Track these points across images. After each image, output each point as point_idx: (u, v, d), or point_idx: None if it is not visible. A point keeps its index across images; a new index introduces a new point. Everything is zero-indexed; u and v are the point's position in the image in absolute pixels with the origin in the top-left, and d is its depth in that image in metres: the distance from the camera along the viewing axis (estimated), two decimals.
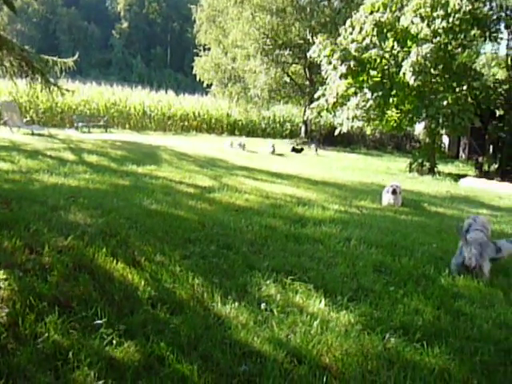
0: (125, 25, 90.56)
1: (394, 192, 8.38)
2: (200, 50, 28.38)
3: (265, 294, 3.69)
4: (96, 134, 20.38)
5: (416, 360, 2.93)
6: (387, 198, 8.49)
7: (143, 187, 7.83)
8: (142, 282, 3.63)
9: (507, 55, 17.60)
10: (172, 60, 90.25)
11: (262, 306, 3.44)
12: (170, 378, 2.49)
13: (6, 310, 3.00)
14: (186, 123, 28.79)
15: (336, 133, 16.94)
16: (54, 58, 15.04)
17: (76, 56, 15.65)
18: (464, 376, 2.80)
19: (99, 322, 2.96)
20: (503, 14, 15.98)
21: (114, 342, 2.77)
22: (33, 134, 16.69)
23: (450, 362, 2.93)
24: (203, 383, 2.49)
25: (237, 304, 3.41)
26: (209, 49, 27.80)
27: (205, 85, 28.28)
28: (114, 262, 3.94)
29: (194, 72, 28.34)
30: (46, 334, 2.77)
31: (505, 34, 16.84)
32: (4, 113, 17.78)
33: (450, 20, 13.63)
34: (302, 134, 27.81)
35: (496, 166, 17.49)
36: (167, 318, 3.16)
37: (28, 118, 22.02)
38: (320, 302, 3.61)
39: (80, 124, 21.65)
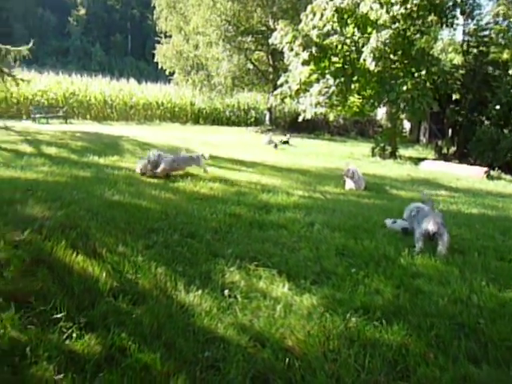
0: (82, 11, 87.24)
1: (345, 175, 8.59)
2: (161, 38, 27.82)
3: (228, 280, 3.70)
4: (55, 125, 19.71)
5: (376, 337, 3.02)
6: (349, 184, 8.66)
7: (105, 178, 7.66)
8: (104, 274, 3.57)
9: (463, 41, 18.12)
10: (133, 47, 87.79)
11: (226, 292, 3.45)
12: (131, 367, 2.48)
13: None
14: (149, 112, 28.30)
15: (300, 119, 17.05)
16: (7, 47, 14.42)
17: (31, 44, 15.04)
18: (421, 350, 2.91)
19: (58, 315, 2.89)
20: (459, 0, 16.40)
21: (74, 335, 2.72)
22: None
23: (407, 337, 3.04)
24: (166, 371, 2.49)
25: (200, 291, 3.41)
26: (170, 36, 27.27)
27: (167, 73, 27.79)
28: (74, 254, 3.85)
29: (155, 60, 27.78)
30: (3, 331, 2.69)
31: (460, 20, 17.34)
32: None
33: (408, 6, 13.90)
34: (267, 122, 27.84)
35: (454, 148, 18.10)
36: (129, 308, 3.12)
37: None
38: (283, 286, 3.66)
39: (37, 115, 20.88)
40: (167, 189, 7.20)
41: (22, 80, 14.77)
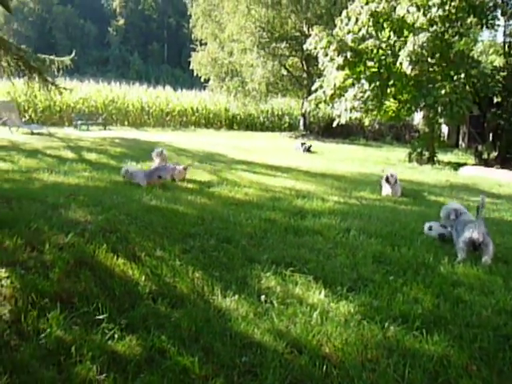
0: (121, 22, 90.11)
1: (386, 180, 8.38)
2: (197, 45, 28.29)
3: (265, 286, 3.72)
4: (95, 131, 20.38)
5: (415, 348, 2.95)
6: (386, 190, 8.51)
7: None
8: (143, 277, 3.66)
9: (504, 42, 17.52)
10: (169, 56, 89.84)
11: (262, 297, 3.47)
12: (171, 370, 2.53)
13: (8, 308, 3.04)
14: (185, 119, 28.78)
15: (334, 124, 16.92)
16: (51, 57, 15.00)
17: (73, 54, 15.61)
18: (463, 362, 2.83)
19: (101, 317, 2.99)
20: (499, 1, 15.88)
21: (116, 336, 2.81)
22: (32, 133, 16.70)
23: (449, 348, 2.96)
24: (204, 374, 2.53)
25: (237, 296, 3.44)
26: (205, 44, 27.69)
27: (202, 80, 28.20)
28: (115, 257, 3.97)
29: (191, 67, 28.26)
30: (49, 330, 2.81)
31: (501, 21, 16.77)
32: (2, 113, 17.77)
33: (446, 8, 13.57)
34: (301, 127, 27.78)
35: (495, 153, 17.46)
36: (168, 311, 3.19)
37: (27, 118, 22.06)
38: (320, 292, 3.64)
39: (79, 122, 21.63)
40: (203, 194, 7.31)
41: (65, 89, 15.29)
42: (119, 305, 3.20)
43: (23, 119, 19.93)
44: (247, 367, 2.62)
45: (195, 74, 28.18)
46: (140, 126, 26.57)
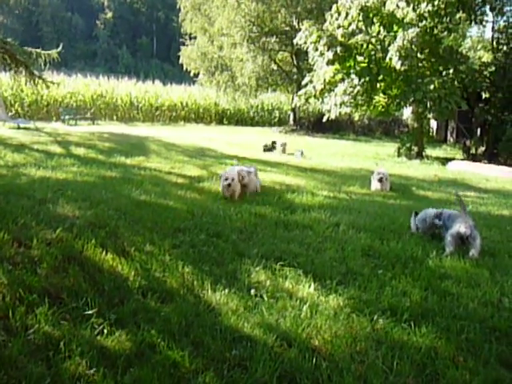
0: (109, 15, 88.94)
1: (380, 180, 8.45)
2: (186, 39, 28.12)
3: (255, 280, 3.73)
4: (83, 126, 20.18)
5: (404, 340, 2.99)
6: (375, 185, 8.56)
7: (132, 178, 7.79)
8: (132, 272, 3.64)
9: (492, 38, 17.68)
10: (158, 50, 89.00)
11: (252, 291, 3.48)
12: (161, 364, 2.52)
13: None
14: (174, 113, 28.62)
15: (324, 119, 16.95)
16: (38, 50, 14.82)
17: (60, 47, 15.43)
18: (450, 354, 2.87)
19: (90, 312, 2.97)
20: None
21: (105, 331, 2.79)
22: (18, 127, 16.47)
23: (436, 340, 3.00)
24: (194, 368, 2.53)
25: (227, 291, 3.45)
26: (195, 37, 27.53)
27: (192, 74, 28.07)
28: (104, 253, 3.94)
29: (180, 61, 28.10)
30: (37, 326, 2.79)
31: (490, 17, 16.94)
32: None
33: (436, 3, 13.64)
34: (291, 122, 27.79)
35: (483, 148, 17.67)
36: (158, 306, 3.18)
37: (13, 112, 21.76)
38: (309, 286, 3.66)
39: (66, 117, 21.40)
40: (193, 189, 7.28)
41: (52, 83, 15.15)
42: (108, 300, 3.19)
43: (9, 114, 19.63)
44: (237, 360, 2.63)
45: (185, 69, 28.05)
46: (129, 120, 26.38)
